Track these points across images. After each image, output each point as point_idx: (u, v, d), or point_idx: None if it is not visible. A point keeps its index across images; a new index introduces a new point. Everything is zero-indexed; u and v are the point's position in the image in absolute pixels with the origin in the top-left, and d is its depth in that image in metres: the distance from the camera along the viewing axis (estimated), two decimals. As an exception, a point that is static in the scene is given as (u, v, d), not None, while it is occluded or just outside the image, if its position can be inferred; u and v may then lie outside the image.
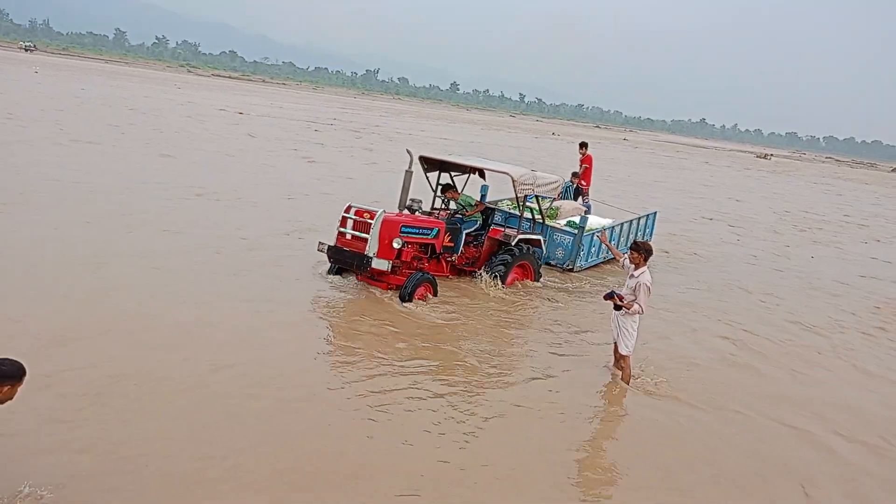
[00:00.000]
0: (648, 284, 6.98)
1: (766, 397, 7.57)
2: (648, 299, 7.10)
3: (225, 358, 6.55)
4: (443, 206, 11.34)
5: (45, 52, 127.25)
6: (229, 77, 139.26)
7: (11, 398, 3.66)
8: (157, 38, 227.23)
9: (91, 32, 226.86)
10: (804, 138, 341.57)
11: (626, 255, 7.44)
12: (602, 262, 12.97)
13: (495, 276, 10.10)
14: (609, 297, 7.09)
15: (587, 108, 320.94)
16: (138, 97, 43.30)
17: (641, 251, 7.11)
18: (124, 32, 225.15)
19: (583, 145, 15.93)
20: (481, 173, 11.27)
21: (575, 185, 15.55)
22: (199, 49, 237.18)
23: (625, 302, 7.01)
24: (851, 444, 6.72)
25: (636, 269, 7.11)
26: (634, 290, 7.02)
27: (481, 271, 10.33)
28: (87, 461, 4.63)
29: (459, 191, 11.37)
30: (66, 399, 5.40)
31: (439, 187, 11.18)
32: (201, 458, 4.85)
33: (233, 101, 53.22)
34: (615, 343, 7.34)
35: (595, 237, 12.28)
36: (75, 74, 62.11)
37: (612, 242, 12.91)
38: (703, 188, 34.70)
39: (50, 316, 7.00)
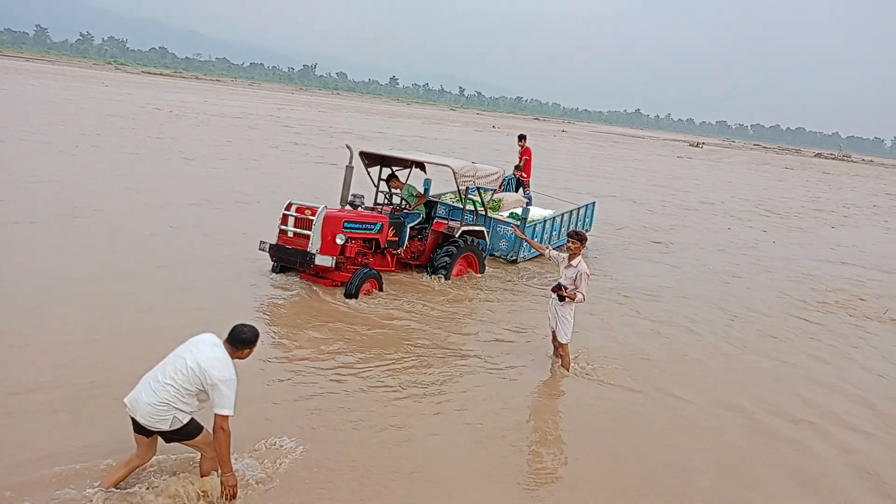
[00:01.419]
0: (587, 272, 7.15)
1: (706, 382, 7.87)
2: (588, 287, 7.27)
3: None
4: (386, 201, 11.33)
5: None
6: (160, 74, 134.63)
7: (245, 358, 4.35)
8: (81, 34, 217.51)
9: (9, 29, 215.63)
10: (733, 126, 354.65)
11: (549, 248, 7.59)
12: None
13: (439, 275, 10.18)
14: (557, 289, 7.23)
15: (526, 100, 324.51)
16: (70, 96, 41.47)
17: (582, 240, 7.28)
18: (45, 29, 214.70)
19: (521, 137, 16.10)
20: (422, 167, 11.31)
21: (517, 178, 15.75)
22: (128, 45, 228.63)
23: (568, 292, 7.15)
24: (790, 424, 7.05)
25: (572, 258, 7.26)
26: (575, 280, 7.17)
27: (426, 270, 10.39)
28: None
29: (388, 190, 11.39)
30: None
31: (381, 180, 11.17)
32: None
33: (168, 99, 51.53)
34: (553, 332, 7.49)
35: (537, 231, 12.46)
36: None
37: (554, 233, 13.17)
38: (675, 179, 35.64)
39: None
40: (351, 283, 8.95)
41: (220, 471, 4.23)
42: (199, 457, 4.42)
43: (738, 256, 15.81)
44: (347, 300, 8.81)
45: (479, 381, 6.92)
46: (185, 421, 4.17)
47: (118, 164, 18.19)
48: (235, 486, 4.26)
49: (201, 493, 4.27)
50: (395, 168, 11.28)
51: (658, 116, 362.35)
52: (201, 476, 4.37)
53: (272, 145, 28.44)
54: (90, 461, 4.61)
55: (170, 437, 4.25)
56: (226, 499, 4.21)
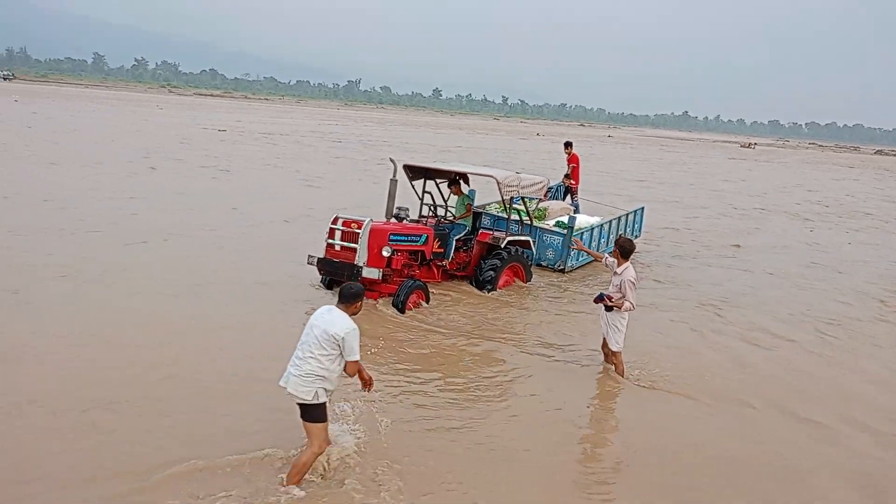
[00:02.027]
0: (632, 280, 7.00)
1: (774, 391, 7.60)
2: (635, 294, 7.11)
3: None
4: (431, 213, 11.35)
5: (24, 79, 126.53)
6: (210, 95, 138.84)
7: (358, 312, 4.95)
8: (136, 59, 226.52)
9: (69, 58, 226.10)
10: (787, 125, 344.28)
11: (606, 255, 7.49)
12: (593, 261, 12.97)
13: (485, 286, 10.14)
14: (599, 299, 7.13)
15: (570, 107, 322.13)
16: (130, 120, 43.13)
17: (619, 247, 7.16)
18: (103, 56, 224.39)
19: (567, 145, 15.93)
20: (465, 178, 11.29)
21: (565, 186, 15.57)
22: (180, 69, 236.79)
23: (614, 301, 7.03)
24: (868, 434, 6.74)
25: (618, 265, 7.13)
26: (620, 288, 7.03)
27: (472, 281, 10.37)
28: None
29: (447, 197, 11.41)
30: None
31: (426, 192, 11.23)
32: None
33: (216, 119, 53.09)
34: (604, 339, 7.35)
35: (584, 239, 12.29)
36: (55, 101, 61.78)
37: (603, 240, 12.97)
38: (725, 182, 34.87)
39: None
40: (398, 296, 8.97)
41: (361, 377, 4.99)
42: (301, 451, 4.91)
43: (818, 259, 15.37)
44: (395, 312, 8.83)
45: (530, 389, 6.82)
46: (322, 399, 4.74)
47: (195, 182, 18.76)
48: (371, 379, 5.09)
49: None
50: (438, 180, 11.33)
51: (707, 118, 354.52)
52: (297, 464, 4.79)
53: (332, 160, 28.93)
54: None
55: (305, 413, 4.76)
56: (367, 388, 5.07)
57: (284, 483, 4.79)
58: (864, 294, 12.44)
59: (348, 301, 4.93)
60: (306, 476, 4.82)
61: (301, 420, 4.80)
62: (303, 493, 4.72)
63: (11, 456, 4.96)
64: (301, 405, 4.75)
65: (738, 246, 16.41)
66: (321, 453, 4.84)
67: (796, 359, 8.64)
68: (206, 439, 5.38)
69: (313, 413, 4.75)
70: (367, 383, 5.07)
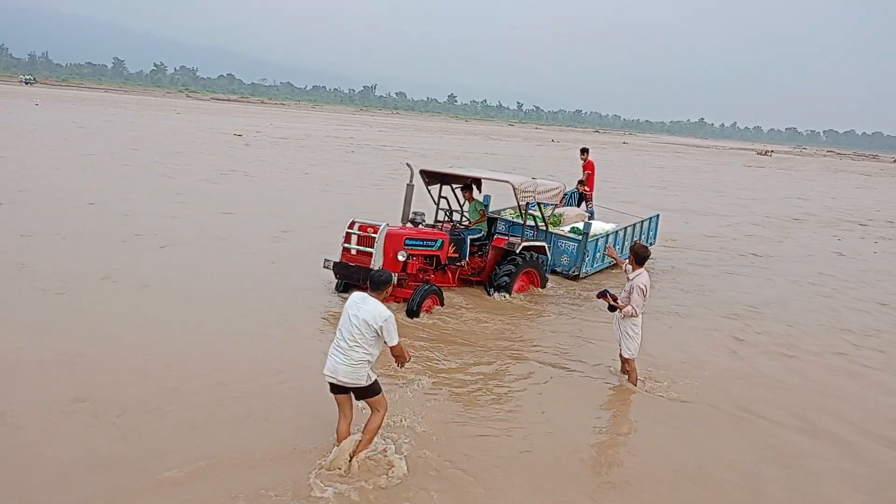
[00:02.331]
0: (641, 286, 6.97)
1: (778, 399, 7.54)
2: (644, 301, 7.08)
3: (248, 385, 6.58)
4: (446, 218, 11.39)
5: (45, 84, 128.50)
6: (227, 100, 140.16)
7: (388, 296, 5.36)
8: (155, 65, 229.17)
9: (90, 63, 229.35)
10: (804, 133, 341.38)
11: (627, 262, 7.48)
12: (608, 267, 12.96)
13: (500, 291, 10.16)
14: (602, 295, 7.13)
15: (585, 113, 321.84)
16: (155, 124, 43.64)
17: (633, 253, 7.14)
18: (122, 61, 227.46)
19: (584, 151, 15.90)
20: (479, 184, 11.31)
21: (579, 192, 15.54)
22: (198, 74, 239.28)
23: (618, 303, 7.02)
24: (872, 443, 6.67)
25: (632, 271, 7.12)
26: (629, 293, 7.02)
27: (486, 286, 10.38)
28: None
29: (462, 202, 11.43)
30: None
31: (441, 197, 11.27)
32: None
33: (233, 124, 53.58)
34: (619, 346, 7.33)
35: (599, 246, 12.26)
36: (76, 104, 62.68)
37: (617, 247, 12.93)
38: (743, 190, 34.67)
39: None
40: (413, 300, 9.00)
41: (402, 357, 5.24)
42: (368, 420, 5.24)
43: (843, 267, 15.33)
44: (410, 316, 8.86)
45: (544, 396, 6.81)
46: (374, 378, 5.14)
47: (225, 187, 18.96)
48: (410, 358, 5.38)
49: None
50: (454, 185, 11.37)
51: (723, 125, 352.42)
52: (366, 428, 5.21)
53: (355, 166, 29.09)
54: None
55: (362, 393, 5.13)
56: (401, 365, 5.35)
57: (353, 453, 5.10)
58: (887, 305, 12.31)
59: (379, 288, 5.23)
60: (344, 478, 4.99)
61: (363, 400, 5.20)
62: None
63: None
64: (356, 389, 5.10)
65: (757, 255, 16.27)
66: (386, 413, 5.30)
67: (817, 371, 8.54)
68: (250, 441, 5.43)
69: (369, 391, 5.15)
70: (402, 362, 5.30)
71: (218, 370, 6.78)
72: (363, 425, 5.28)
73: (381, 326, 4.99)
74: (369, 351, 5.04)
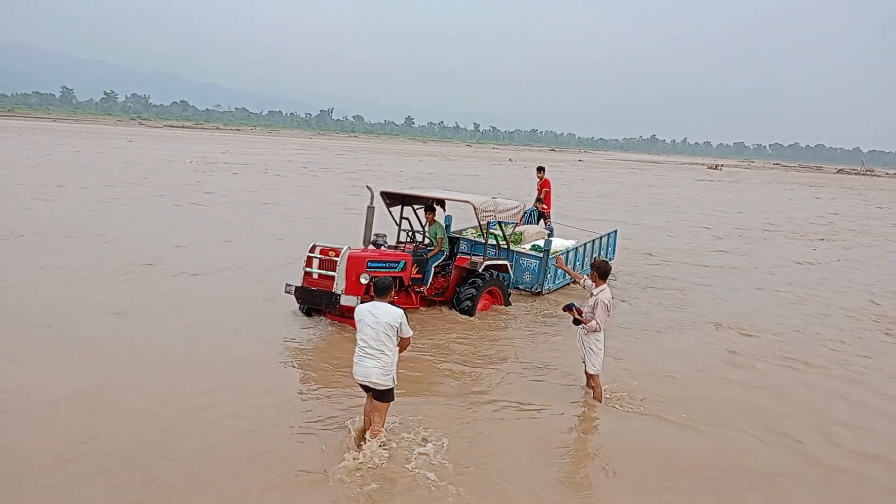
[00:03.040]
0: (606, 302, 7.08)
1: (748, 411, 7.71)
2: (608, 317, 7.19)
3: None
4: (408, 239, 11.39)
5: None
6: (182, 127, 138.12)
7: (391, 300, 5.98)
8: (105, 93, 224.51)
9: (37, 92, 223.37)
10: (751, 147, 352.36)
11: (585, 276, 7.57)
12: (571, 283, 13.12)
13: (464, 310, 10.18)
14: (568, 308, 7.19)
15: (541, 132, 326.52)
16: (99, 152, 42.63)
17: (600, 272, 7.23)
18: (71, 90, 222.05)
19: (540, 169, 16.14)
20: (442, 203, 11.37)
21: (538, 210, 15.75)
22: (150, 101, 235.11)
23: (583, 318, 7.10)
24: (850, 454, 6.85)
25: (596, 287, 7.22)
26: (594, 308, 7.12)
27: (450, 306, 10.39)
28: None
29: (424, 223, 11.46)
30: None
31: (403, 218, 11.27)
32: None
33: (198, 150, 52.78)
34: (584, 362, 7.40)
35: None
36: (21, 135, 60.95)
37: (577, 263, 13.10)
38: (700, 203, 35.46)
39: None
40: (377, 323, 8.95)
41: (403, 348, 5.90)
42: (371, 421, 5.86)
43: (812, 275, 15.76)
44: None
45: (507, 414, 6.83)
46: (395, 384, 5.76)
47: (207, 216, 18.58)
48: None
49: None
50: (415, 206, 11.40)
51: (675, 141, 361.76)
52: (371, 432, 5.81)
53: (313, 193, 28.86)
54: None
55: (382, 395, 5.70)
56: (402, 351, 5.93)
57: (363, 442, 5.74)
58: (854, 309, 12.78)
59: (384, 293, 5.86)
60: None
61: (374, 401, 5.77)
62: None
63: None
64: (380, 391, 5.66)
65: (733, 267, 16.66)
66: (385, 420, 5.87)
67: (784, 379, 8.75)
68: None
69: (389, 395, 5.75)
70: (404, 348, 5.95)
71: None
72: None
73: (400, 322, 5.65)
74: (393, 351, 5.66)
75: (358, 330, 5.73)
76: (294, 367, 7.97)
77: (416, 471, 5.51)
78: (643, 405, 7.34)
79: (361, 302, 9.05)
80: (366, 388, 5.81)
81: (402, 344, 5.83)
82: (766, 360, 9.35)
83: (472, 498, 5.21)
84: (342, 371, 7.54)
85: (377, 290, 5.90)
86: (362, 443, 5.77)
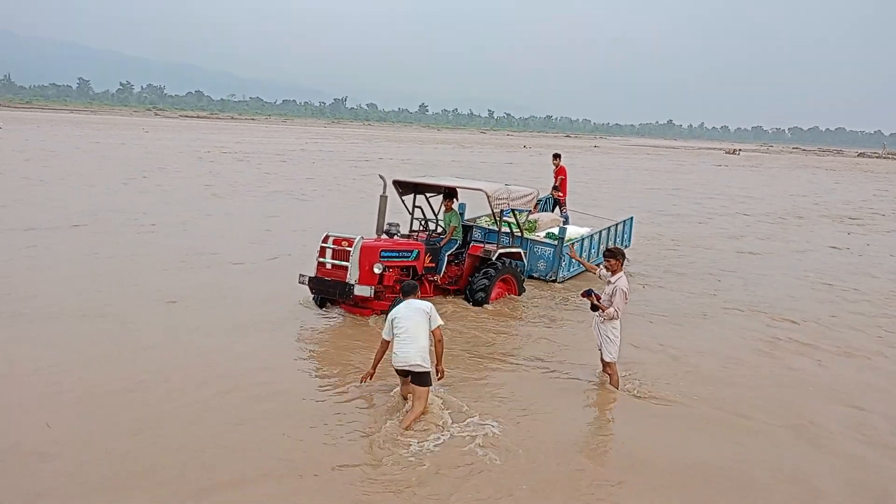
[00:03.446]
0: (625, 289, 7.02)
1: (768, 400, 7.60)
2: (626, 304, 7.13)
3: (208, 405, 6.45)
4: (421, 228, 11.34)
5: (9, 107, 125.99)
6: (197, 117, 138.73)
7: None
8: (121, 84, 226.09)
9: (54, 84, 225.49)
10: (770, 131, 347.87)
11: (601, 266, 7.48)
12: (584, 272, 13.00)
13: (478, 299, 10.10)
14: (587, 294, 7.13)
15: (556, 118, 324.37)
16: (123, 144, 42.97)
17: (618, 257, 7.15)
18: (87, 81, 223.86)
19: (556, 156, 15.96)
20: (455, 192, 11.29)
21: (554, 198, 15.60)
22: (165, 91, 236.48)
23: (601, 304, 7.04)
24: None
25: (613, 275, 7.13)
26: (611, 296, 7.04)
27: (464, 295, 10.33)
28: None
29: (436, 211, 11.40)
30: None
31: (416, 207, 11.22)
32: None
33: (215, 140, 53.05)
34: (600, 350, 7.34)
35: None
36: (41, 127, 61.56)
37: (593, 251, 13.00)
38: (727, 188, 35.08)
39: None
40: (390, 311, 8.92)
41: (438, 366, 6.42)
42: (411, 407, 6.21)
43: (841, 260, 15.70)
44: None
45: (525, 403, 6.77)
46: (430, 367, 6.20)
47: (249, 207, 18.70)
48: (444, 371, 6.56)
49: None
50: (428, 194, 11.34)
51: (692, 126, 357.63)
52: (414, 414, 6.08)
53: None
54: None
55: (421, 379, 6.14)
56: (440, 378, 6.49)
57: (402, 427, 5.98)
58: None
59: (412, 293, 6.58)
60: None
61: (412, 385, 6.19)
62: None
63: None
64: (418, 373, 6.10)
65: (754, 253, 16.46)
66: (425, 411, 6.19)
67: (800, 365, 8.63)
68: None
69: (427, 378, 6.17)
70: (441, 375, 6.48)
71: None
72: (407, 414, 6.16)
73: (430, 309, 6.31)
74: (426, 336, 6.22)
75: (395, 326, 6.23)
76: (332, 362, 7.96)
77: (469, 447, 5.72)
78: (661, 391, 7.26)
79: (375, 292, 9.11)
80: (404, 374, 6.26)
81: (437, 335, 6.30)
82: (794, 347, 9.23)
83: (509, 472, 5.18)
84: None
85: (405, 292, 6.56)
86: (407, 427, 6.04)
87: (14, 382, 6.68)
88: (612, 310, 6.99)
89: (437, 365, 6.39)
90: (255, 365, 7.42)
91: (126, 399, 6.39)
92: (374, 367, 6.50)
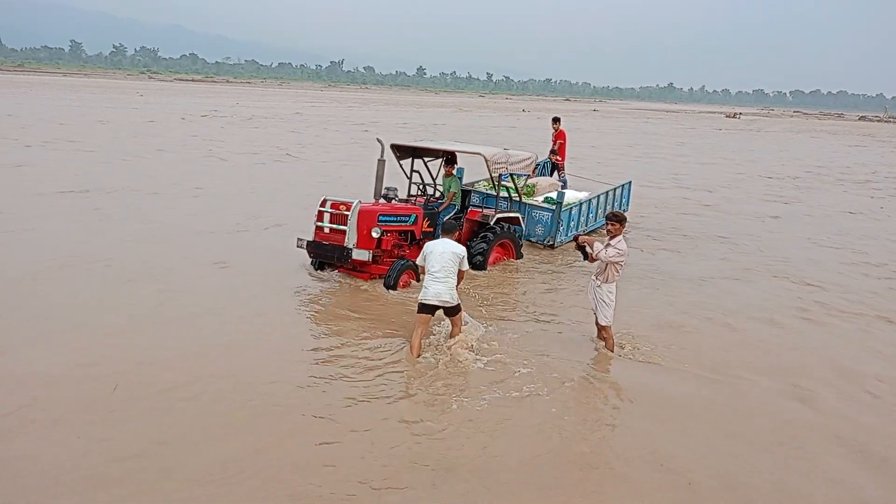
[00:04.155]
0: (619, 249, 7.03)
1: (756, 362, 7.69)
2: (620, 268, 7.16)
3: (213, 365, 6.51)
4: (419, 192, 11.31)
5: (0, 69, 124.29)
6: (192, 80, 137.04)
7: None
8: (114, 46, 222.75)
9: (46, 46, 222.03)
10: (771, 94, 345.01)
11: (598, 248, 7.30)
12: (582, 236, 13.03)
13: (476, 263, 10.08)
14: (577, 241, 7.37)
15: (555, 81, 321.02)
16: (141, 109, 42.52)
17: (619, 221, 7.14)
18: (80, 44, 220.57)
19: (555, 120, 15.83)
20: (453, 156, 11.23)
21: (552, 162, 15.53)
22: (159, 54, 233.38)
23: (592, 250, 7.13)
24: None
25: (612, 238, 7.14)
26: (605, 250, 7.09)
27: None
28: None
29: (435, 175, 11.36)
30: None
31: (414, 171, 11.17)
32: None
33: (211, 105, 52.50)
34: (595, 314, 7.39)
35: (573, 215, 12.32)
36: (32, 90, 60.82)
37: (591, 215, 13.03)
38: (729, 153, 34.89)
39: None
40: (389, 276, 8.97)
41: (460, 280, 7.20)
42: (451, 329, 7.20)
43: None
44: (388, 291, 8.85)
45: (522, 368, 6.84)
46: (459, 300, 7.01)
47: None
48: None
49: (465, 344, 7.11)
50: (426, 159, 11.28)
51: (692, 89, 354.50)
52: (452, 336, 7.15)
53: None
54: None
55: (452, 310, 6.99)
56: (459, 284, 7.18)
57: (451, 340, 7.07)
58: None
59: (451, 232, 7.22)
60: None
61: (448, 316, 7.10)
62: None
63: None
64: (448, 307, 6.91)
65: (774, 217, 16.45)
66: (461, 323, 7.21)
67: (798, 331, 8.71)
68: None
69: (457, 309, 7.02)
70: (461, 280, 7.20)
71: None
72: (448, 337, 7.17)
73: (463, 255, 7.01)
74: (454, 276, 6.90)
75: (427, 261, 6.92)
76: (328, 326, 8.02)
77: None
78: (655, 355, 7.35)
79: (373, 256, 9.13)
80: (427, 310, 6.88)
81: (461, 275, 7.08)
82: (795, 311, 9.31)
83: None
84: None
85: (445, 230, 7.25)
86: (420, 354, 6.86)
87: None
88: (598, 245, 7.09)
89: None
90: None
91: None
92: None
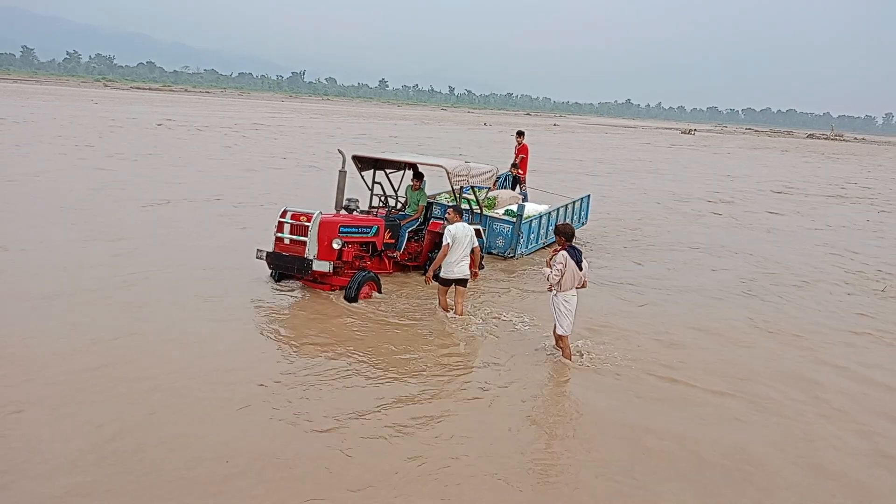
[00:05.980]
0: (560, 262, 7.17)
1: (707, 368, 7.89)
2: (560, 277, 7.21)
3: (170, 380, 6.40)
4: (381, 204, 11.32)
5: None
6: (149, 89, 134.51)
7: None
8: (68, 53, 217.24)
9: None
10: (724, 111, 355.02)
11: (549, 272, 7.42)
12: (542, 248, 13.21)
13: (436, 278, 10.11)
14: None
15: (516, 96, 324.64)
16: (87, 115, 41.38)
17: (562, 234, 7.31)
18: (32, 49, 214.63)
19: (519, 134, 16.06)
20: (415, 168, 11.29)
21: (513, 175, 15.71)
22: (115, 62, 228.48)
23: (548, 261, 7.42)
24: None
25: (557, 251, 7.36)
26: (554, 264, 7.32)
27: (423, 271, 10.36)
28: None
29: (396, 188, 11.38)
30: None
31: (375, 183, 11.18)
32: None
33: (165, 113, 51.53)
34: (555, 324, 7.50)
35: (533, 227, 12.48)
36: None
37: (550, 228, 13.21)
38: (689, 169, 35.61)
39: None
40: (350, 288, 8.94)
41: (474, 268, 8.75)
42: (455, 302, 8.63)
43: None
44: (348, 303, 8.81)
45: (481, 377, 6.90)
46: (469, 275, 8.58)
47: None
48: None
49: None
50: (388, 170, 11.31)
51: (649, 105, 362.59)
52: (459, 312, 8.58)
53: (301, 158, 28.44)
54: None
55: (464, 283, 8.55)
56: (475, 277, 8.93)
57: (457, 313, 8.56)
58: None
59: (461, 214, 8.82)
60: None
61: (458, 287, 8.53)
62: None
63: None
64: (461, 280, 8.48)
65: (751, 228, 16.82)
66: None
67: (741, 337, 8.98)
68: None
69: (467, 282, 8.61)
70: (475, 261, 8.69)
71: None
72: (453, 308, 8.62)
73: (472, 234, 8.51)
74: (468, 256, 8.46)
75: (455, 241, 8.27)
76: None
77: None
78: (614, 363, 7.49)
79: (333, 267, 9.09)
80: (449, 283, 8.49)
81: (476, 251, 8.59)
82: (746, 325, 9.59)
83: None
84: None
85: (454, 211, 8.68)
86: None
87: None
88: (547, 270, 7.29)
89: (473, 268, 8.59)
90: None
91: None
92: (434, 269, 8.53)
